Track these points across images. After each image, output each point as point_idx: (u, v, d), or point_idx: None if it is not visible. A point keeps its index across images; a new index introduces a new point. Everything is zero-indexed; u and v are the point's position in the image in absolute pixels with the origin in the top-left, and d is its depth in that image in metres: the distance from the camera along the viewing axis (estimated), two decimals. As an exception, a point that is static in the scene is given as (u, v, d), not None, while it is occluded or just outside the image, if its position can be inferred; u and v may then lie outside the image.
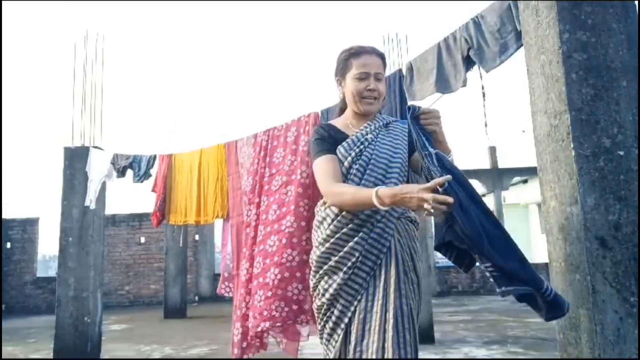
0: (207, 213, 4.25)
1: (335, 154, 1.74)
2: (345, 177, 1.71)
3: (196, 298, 12.26)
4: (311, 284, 1.76)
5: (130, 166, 4.95)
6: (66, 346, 5.09)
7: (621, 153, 1.61)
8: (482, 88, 2.67)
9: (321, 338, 1.72)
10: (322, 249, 1.70)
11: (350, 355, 1.58)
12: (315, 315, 1.74)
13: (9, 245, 11.90)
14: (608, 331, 1.53)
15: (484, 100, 2.67)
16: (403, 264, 1.65)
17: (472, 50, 2.65)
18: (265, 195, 3.25)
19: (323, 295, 1.68)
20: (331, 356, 1.66)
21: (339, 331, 1.64)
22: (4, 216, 11.36)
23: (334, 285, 1.64)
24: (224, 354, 5.29)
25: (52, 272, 12.76)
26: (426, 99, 3.07)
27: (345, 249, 1.65)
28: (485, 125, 2.73)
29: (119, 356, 5.46)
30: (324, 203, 1.76)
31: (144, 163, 4.86)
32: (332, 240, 1.68)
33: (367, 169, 1.70)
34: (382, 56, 1.82)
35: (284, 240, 2.92)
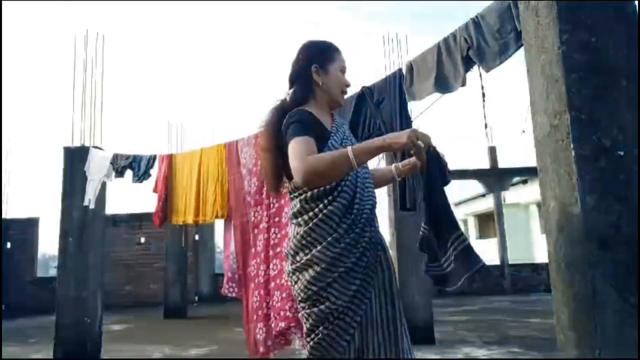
0: (206, 213, 4.25)
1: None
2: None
3: (196, 298, 12.27)
4: (316, 287, 1.56)
5: (129, 166, 4.95)
6: (66, 346, 5.10)
7: (621, 153, 1.61)
8: (482, 88, 2.67)
9: (318, 343, 1.55)
10: (338, 247, 1.55)
11: (354, 356, 1.54)
12: (316, 320, 1.57)
13: (9, 245, 11.91)
14: (608, 331, 1.53)
15: (484, 100, 2.67)
16: (390, 260, 1.66)
17: (472, 50, 2.65)
18: (274, 197, 3.27)
19: (337, 298, 1.53)
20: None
21: (347, 337, 1.54)
22: (4, 216, 11.37)
23: (353, 287, 1.53)
24: (224, 354, 5.29)
25: (52, 272, 12.76)
26: (425, 99, 3.07)
27: (359, 248, 1.57)
28: (485, 126, 2.73)
29: (119, 356, 5.46)
30: (318, 197, 1.60)
31: (144, 163, 4.87)
32: (348, 238, 1.56)
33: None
34: None
35: None
